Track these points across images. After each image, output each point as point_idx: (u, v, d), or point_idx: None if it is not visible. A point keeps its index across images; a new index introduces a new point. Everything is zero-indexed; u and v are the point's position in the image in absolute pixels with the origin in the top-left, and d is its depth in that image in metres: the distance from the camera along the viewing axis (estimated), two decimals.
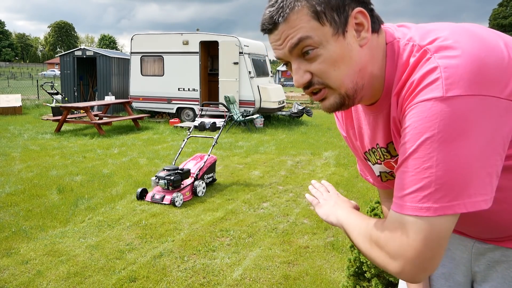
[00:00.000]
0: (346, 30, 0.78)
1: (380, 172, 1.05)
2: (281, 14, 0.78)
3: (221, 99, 10.88)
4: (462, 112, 0.67)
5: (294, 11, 0.77)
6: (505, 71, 0.70)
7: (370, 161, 1.05)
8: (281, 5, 0.78)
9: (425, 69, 0.72)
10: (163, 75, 11.85)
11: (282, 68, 36.96)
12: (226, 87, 11.03)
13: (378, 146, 0.96)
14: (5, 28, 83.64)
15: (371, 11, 0.81)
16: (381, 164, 1.01)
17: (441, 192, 0.68)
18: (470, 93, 0.67)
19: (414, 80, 0.74)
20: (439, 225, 0.70)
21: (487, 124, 0.68)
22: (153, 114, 12.42)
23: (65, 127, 10.20)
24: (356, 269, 1.88)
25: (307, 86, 0.83)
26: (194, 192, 4.85)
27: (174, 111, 11.88)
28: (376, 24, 0.82)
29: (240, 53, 10.82)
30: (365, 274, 1.84)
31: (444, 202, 0.68)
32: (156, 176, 4.74)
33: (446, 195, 0.68)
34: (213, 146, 5.49)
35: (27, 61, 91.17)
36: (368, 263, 1.80)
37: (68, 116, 9.93)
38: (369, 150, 1.02)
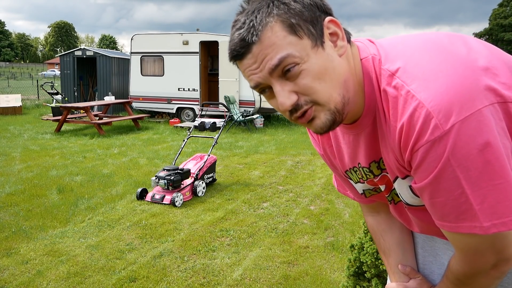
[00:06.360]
0: (323, 41, 0.74)
1: (363, 190, 1.02)
2: (253, 33, 0.71)
3: (221, 99, 10.88)
4: (469, 135, 0.66)
5: (267, 28, 0.71)
6: (480, 75, 0.69)
7: (352, 180, 1.02)
8: (251, 24, 0.71)
9: (410, 108, 0.69)
10: (163, 75, 11.85)
11: None
12: (226, 87, 11.03)
13: (360, 165, 0.93)
14: (5, 28, 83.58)
15: None
16: (363, 183, 0.98)
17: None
18: (466, 114, 0.66)
19: (403, 123, 0.71)
20: None
21: (495, 133, 0.67)
22: (153, 114, 12.42)
23: (65, 127, 10.20)
24: (356, 269, 1.88)
25: (294, 109, 0.75)
26: (194, 192, 4.85)
27: (174, 111, 11.88)
28: (347, 34, 0.79)
29: None
30: (365, 274, 1.84)
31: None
32: (156, 176, 4.74)
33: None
34: (213, 146, 5.49)
35: (27, 61, 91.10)
36: (368, 263, 1.79)
37: (68, 116, 9.94)
38: (350, 169, 0.98)
